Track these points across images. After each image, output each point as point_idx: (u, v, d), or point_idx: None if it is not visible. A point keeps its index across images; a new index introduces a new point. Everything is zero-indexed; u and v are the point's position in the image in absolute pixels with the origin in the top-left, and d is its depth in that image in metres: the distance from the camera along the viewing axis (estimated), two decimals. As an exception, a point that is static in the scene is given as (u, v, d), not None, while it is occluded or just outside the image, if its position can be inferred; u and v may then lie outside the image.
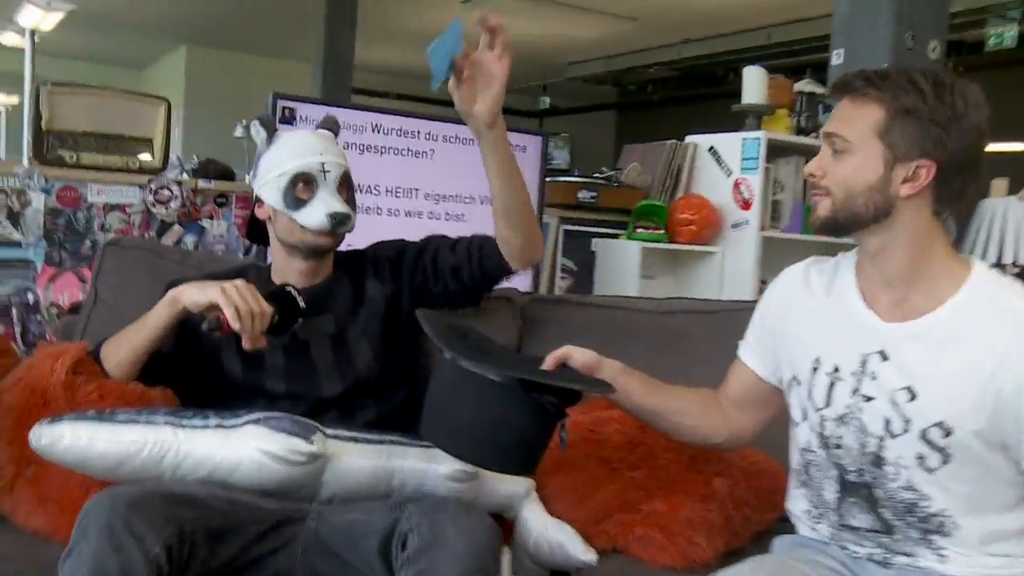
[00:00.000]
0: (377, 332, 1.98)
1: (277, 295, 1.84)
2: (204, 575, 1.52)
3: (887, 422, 1.49)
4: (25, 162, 3.20)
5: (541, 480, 1.84)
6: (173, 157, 5.04)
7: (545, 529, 1.76)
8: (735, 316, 2.20)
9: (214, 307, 1.73)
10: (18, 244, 3.17)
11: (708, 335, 2.14)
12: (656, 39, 11.58)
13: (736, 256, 3.93)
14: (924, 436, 1.45)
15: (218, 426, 1.60)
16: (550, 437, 1.59)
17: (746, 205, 3.91)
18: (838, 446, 1.55)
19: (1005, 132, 6.85)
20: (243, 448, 1.57)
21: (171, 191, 3.34)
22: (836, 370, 1.56)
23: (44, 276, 3.20)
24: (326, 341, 1.94)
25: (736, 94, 4.14)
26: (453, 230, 3.28)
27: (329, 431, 1.66)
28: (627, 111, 14.76)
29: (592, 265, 3.95)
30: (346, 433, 1.69)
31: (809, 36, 9.27)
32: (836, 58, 5.11)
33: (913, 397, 1.46)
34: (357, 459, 1.67)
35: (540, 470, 1.87)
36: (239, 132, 7.18)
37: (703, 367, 2.12)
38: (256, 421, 1.59)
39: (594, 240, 3.97)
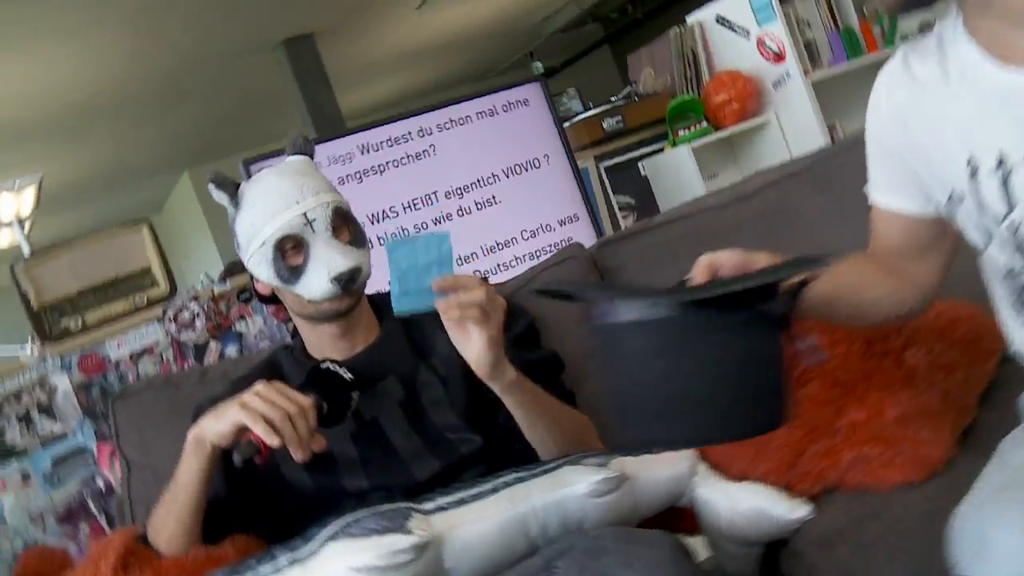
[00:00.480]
0: (459, 383, 1.57)
1: (313, 378, 1.47)
2: None
3: None
4: (31, 350, 2.92)
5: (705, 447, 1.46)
6: (202, 275, 4.82)
7: (733, 501, 1.37)
8: (827, 164, 1.81)
9: (242, 429, 1.37)
10: (64, 436, 2.88)
11: (808, 197, 1.73)
12: (617, -44, 11.24)
13: (791, 115, 3.54)
14: None
15: (293, 562, 1.24)
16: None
17: (778, 58, 3.49)
18: None
19: None
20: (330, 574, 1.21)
21: (190, 311, 3.03)
22: (1001, 162, 1.14)
23: (103, 455, 2.91)
24: (398, 411, 1.56)
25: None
26: (490, 217, 3.01)
27: (427, 506, 1.29)
28: (618, 39, 14.36)
29: (649, 191, 3.59)
30: (448, 499, 1.31)
31: None
32: None
33: None
34: (476, 524, 1.28)
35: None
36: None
37: (823, 230, 1.73)
38: (334, 536, 1.23)
39: (640, 164, 3.61)
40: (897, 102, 1.25)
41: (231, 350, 3.07)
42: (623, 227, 3.48)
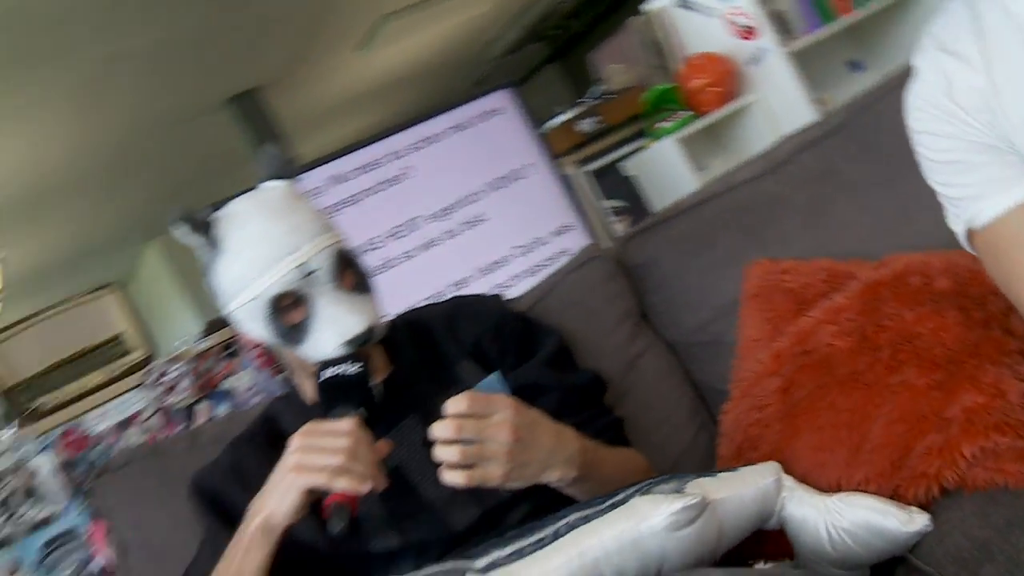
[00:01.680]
0: None
1: (328, 392, 1.27)
2: None
3: None
4: (5, 436, 2.73)
5: (785, 453, 1.27)
6: (176, 341, 4.66)
7: (834, 516, 1.16)
8: (864, 117, 1.65)
9: (315, 495, 1.18)
10: (52, 519, 2.70)
11: (853, 157, 1.57)
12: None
13: (774, 91, 3.41)
14: None
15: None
16: None
17: (749, 33, 3.37)
18: None
19: None
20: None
21: (172, 373, 2.85)
22: None
23: (98, 533, 2.72)
24: (423, 454, 1.28)
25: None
26: (479, 236, 2.85)
27: (479, 563, 1.10)
28: (564, 57, 14.40)
29: (639, 192, 3.50)
30: (503, 552, 1.11)
31: None
32: None
33: None
34: (541, 577, 1.10)
35: (766, 437, 1.32)
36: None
37: (875, 192, 1.57)
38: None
39: (622, 164, 3.52)
40: (963, 96, 1.05)
41: (223, 408, 2.90)
42: (617, 232, 3.35)
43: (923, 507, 1.14)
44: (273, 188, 1.38)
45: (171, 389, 2.86)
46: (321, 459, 1.14)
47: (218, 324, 3.46)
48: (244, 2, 7.39)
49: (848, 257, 1.46)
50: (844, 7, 3.51)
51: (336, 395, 1.25)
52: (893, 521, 1.12)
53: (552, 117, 3.68)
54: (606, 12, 12.29)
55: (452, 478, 1.15)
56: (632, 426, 1.48)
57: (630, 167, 3.46)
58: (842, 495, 1.17)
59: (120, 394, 2.84)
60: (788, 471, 1.21)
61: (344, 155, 2.83)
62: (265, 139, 9.95)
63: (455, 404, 1.16)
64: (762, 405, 1.32)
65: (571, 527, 1.10)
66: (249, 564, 1.20)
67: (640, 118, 3.48)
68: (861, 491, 1.18)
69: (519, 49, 13.54)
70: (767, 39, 3.34)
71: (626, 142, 3.52)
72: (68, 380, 2.86)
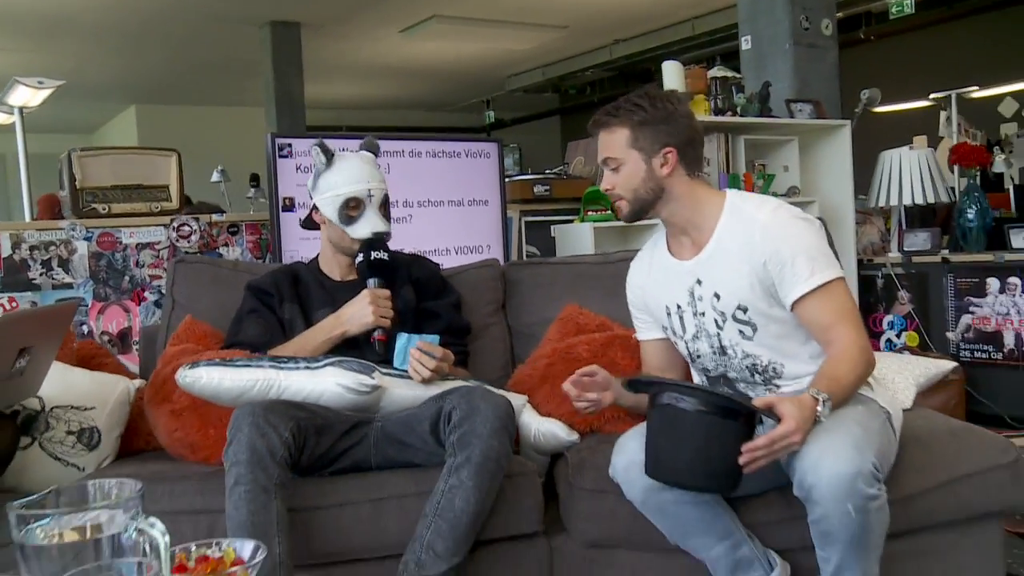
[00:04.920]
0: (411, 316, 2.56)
1: (370, 266, 2.46)
2: (312, 457, 2.16)
3: (715, 322, 2.14)
4: (66, 222, 3.78)
5: (531, 392, 2.49)
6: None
7: (540, 424, 2.39)
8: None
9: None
10: (71, 286, 3.75)
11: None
12: (589, 43, 12.14)
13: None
14: (735, 318, 2.10)
15: (306, 367, 2.21)
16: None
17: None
18: (699, 356, 2.20)
19: (914, 91, 7.59)
20: (326, 383, 2.18)
21: (191, 227, 3.93)
22: (678, 306, 2.21)
23: (94, 310, 3.79)
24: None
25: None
26: (431, 228, 3.95)
27: (382, 370, 2.27)
28: (569, 114, 15.35)
29: (553, 248, 4.56)
30: (394, 371, 2.30)
31: (730, 23, 9.93)
32: (745, 44, 5.82)
33: (719, 297, 2.12)
34: (402, 390, 2.29)
35: (527, 383, 2.50)
36: (216, 177, 7.77)
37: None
38: (333, 363, 2.21)
39: (552, 227, 4.59)
40: (638, 281, 2.32)
41: (212, 265, 3.97)
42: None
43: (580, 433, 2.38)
44: (365, 153, 2.60)
45: (185, 237, 3.94)
46: (382, 310, 2.37)
47: (203, 210, 4.53)
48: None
49: (614, 320, 2.66)
50: (751, 189, 4.72)
51: (374, 269, 2.45)
52: (563, 434, 2.37)
53: (520, 173, 4.81)
54: (618, 97, 13.41)
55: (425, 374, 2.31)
56: (472, 360, 2.66)
57: (555, 230, 4.54)
58: (546, 418, 2.39)
59: (152, 225, 3.90)
60: (532, 399, 2.42)
61: (337, 135, 3.82)
62: (286, 68, 10.61)
63: (431, 349, 2.32)
64: (537, 368, 2.53)
65: (425, 381, 2.28)
66: (320, 338, 2.43)
67: (579, 201, 4.53)
68: (556, 419, 2.39)
69: (535, 92, 14.49)
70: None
71: (561, 212, 4.60)
72: (121, 200, 3.81)
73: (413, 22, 10.60)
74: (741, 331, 2.10)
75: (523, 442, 2.41)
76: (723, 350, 2.15)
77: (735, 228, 2.09)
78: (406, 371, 2.30)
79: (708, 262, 2.13)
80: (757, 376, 2.14)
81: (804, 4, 5.54)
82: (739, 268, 2.08)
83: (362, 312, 2.40)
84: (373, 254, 2.46)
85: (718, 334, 2.14)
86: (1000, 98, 6.73)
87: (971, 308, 4.69)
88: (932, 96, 5.85)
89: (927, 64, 9.89)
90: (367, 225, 2.49)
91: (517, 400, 2.42)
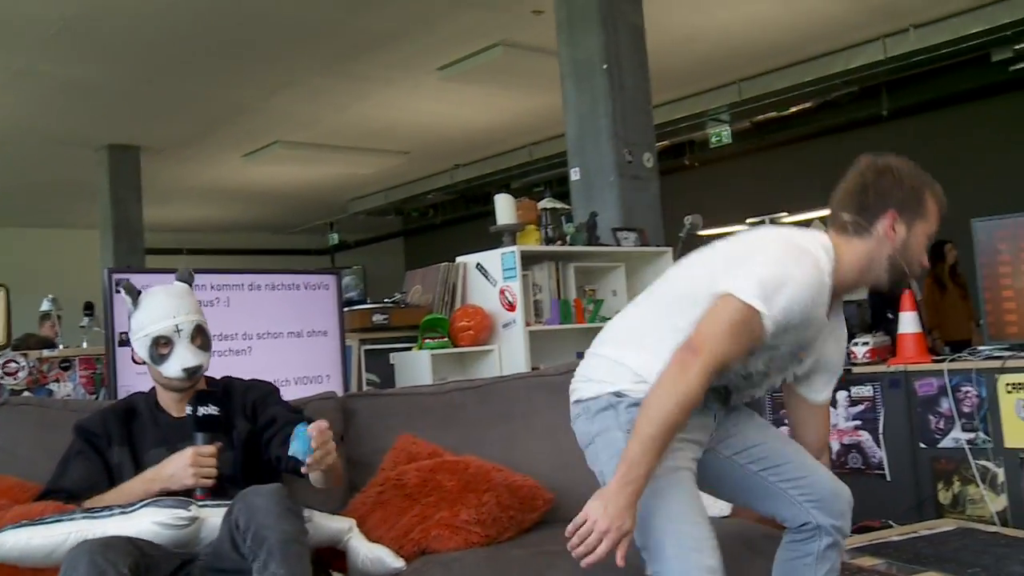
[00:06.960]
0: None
1: (199, 421, 2.45)
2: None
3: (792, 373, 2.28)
4: None
5: (361, 518, 2.55)
6: None
7: (368, 551, 2.45)
8: (493, 387, 2.99)
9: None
10: None
11: (476, 404, 2.89)
12: (430, 167, 12.48)
13: (510, 350, 4.66)
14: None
15: (121, 513, 2.21)
16: None
17: (512, 307, 4.65)
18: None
19: (734, 216, 8.08)
20: (141, 523, 2.18)
21: (18, 363, 3.85)
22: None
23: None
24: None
25: (506, 211, 4.92)
26: (269, 361, 3.96)
27: (199, 503, 2.30)
28: (412, 236, 15.61)
29: (392, 376, 4.60)
30: (210, 503, 2.32)
31: (564, 150, 10.35)
32: (574, 175, 6.13)
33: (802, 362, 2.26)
34: (219, 519, 2.27)
35: (361, 510, 2.58)
36: (46, 306, 7.55)
37: (476, 429, 2.88)
38: (147, 504, 2.22)
39: (391, 355, 4.64)
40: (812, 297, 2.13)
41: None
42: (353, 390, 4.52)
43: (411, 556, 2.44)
44: (177, 285, 2.62)
45: (11, 374, 3.85)
46: (204, 470, 2.39)
47: (30, 343, 4.46)
48: (180, 72, 8.03)
49: (445, 447, 2.75)
50: (581, 316, 4.92)
51: (201, 424, 2.45)
52: (389, 559, 2.44)
53: (361, 300, 4.90)
54: (459, 220, 13.75)
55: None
56: (312, 489, 2.68)
57: (394, 358, 4.60)
58: (374, 544, 2.45)
59: (-24, 363, 3.81)
60: (362, 525, 2.47)
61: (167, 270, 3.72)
62: (123, 190, 10.50)
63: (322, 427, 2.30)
64: (369, 496, 2.60)
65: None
66: (136, 488, 2.40)
67: (417, 328, 4.60)
68: (385, 543, 2.47)
69: (378, 214, 14.71)
70: (520, 315, 4.61)
71: (400, 340, 4.65)
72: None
73: (256, 147, 10.73)
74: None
75: (351, 567, 2.45)
76: (750, 377, 2.21)
77: None
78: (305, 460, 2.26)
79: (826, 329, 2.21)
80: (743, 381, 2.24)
81: (627, 139, 5.89)
82: None
83: (183, 473, 2.40)
84: (200, 409, 2.47)
85: (767, 373, 2.20)
86: (808, 223, 7.23)
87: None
88: (748, 221, 6.27)
89: (744, 190, 10.58)
90: (177, 362, 2.51)
91: (344, 523, 2.47)
